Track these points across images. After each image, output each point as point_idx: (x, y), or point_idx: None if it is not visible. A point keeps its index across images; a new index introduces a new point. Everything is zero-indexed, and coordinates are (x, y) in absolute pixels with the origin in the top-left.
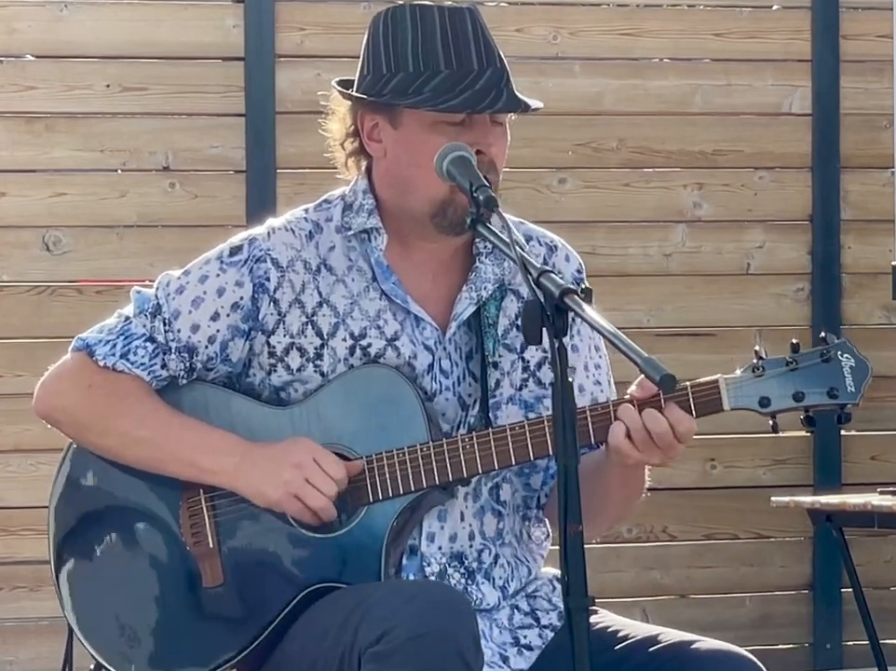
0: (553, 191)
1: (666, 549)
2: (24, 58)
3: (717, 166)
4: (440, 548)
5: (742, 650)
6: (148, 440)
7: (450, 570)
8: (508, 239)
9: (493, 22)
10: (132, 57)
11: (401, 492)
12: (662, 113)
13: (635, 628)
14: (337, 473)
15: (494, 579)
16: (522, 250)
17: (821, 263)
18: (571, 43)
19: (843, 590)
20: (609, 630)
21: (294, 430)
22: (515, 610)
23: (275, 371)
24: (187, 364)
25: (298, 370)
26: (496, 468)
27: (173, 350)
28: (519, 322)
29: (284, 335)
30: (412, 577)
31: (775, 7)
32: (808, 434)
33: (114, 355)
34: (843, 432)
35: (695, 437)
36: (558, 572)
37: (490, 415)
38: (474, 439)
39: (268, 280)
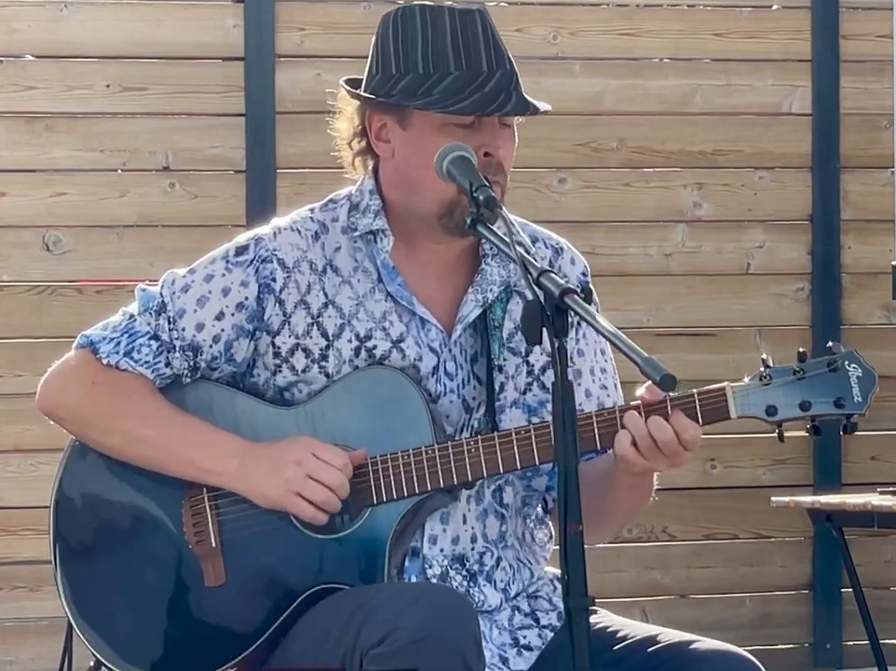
0: (553, 191)
1: (666, 549)
2: (24, 58)
3: (717, 166)
4: (441, 550)
5: (742, 651)
6: (151, 439)
7: (451, 573)
8: (508, 239)
9: None
10: (132, 57)
11: (406, 494)
12: (662, 113)
13: (635, 628)
14: (339, 461)
15: (495, 581)
16: (528, 251)
17: (821, 263)
18: (571, 43)
19: (843, 590)
20: (609, 630)
21: (298, 430)
22: (516, 611)
23: (280, 371)
24: (191, 363)
25: (303, 371)
26: (502, 472)
27: (177, 349)
28: None
29: (289, 336)
30: (413, 579)
31: (775, 7)
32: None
33: (117, 353)
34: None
35: None
36: (559, 572)
37: (495, 418)
38: (479, 443)
39: (274, 280)
